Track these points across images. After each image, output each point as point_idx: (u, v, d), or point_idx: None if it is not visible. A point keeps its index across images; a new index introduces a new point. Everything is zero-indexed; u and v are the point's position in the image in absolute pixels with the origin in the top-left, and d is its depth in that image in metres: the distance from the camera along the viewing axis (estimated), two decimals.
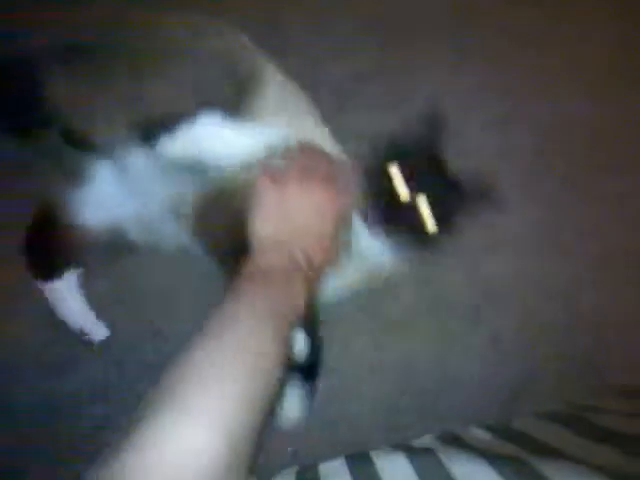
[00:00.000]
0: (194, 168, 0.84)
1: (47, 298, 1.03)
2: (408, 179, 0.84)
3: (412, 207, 0.83)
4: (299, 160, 0.83)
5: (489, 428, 1.00)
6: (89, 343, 1.05)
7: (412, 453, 0.81)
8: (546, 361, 1.13)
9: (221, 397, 0.50)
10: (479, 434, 0.99)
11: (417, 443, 0.99)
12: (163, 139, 0.80)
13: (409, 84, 1.25)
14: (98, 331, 1.05)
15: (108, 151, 0.88)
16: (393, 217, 0.84)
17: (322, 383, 1.07)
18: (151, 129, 0.79)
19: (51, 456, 0.99)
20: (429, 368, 1.12)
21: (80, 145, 0.86)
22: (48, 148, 0.93)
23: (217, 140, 0.81)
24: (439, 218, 0.85)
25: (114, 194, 0.95)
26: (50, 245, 1.01)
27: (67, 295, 1.03)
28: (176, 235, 0.96)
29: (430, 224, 0.84)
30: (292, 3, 1.29)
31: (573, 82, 1.27)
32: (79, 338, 1.04)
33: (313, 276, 0.76)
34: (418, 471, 0.75)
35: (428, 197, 0.84)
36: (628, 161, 1.25)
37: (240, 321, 0.59)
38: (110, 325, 1.07)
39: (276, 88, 0.91)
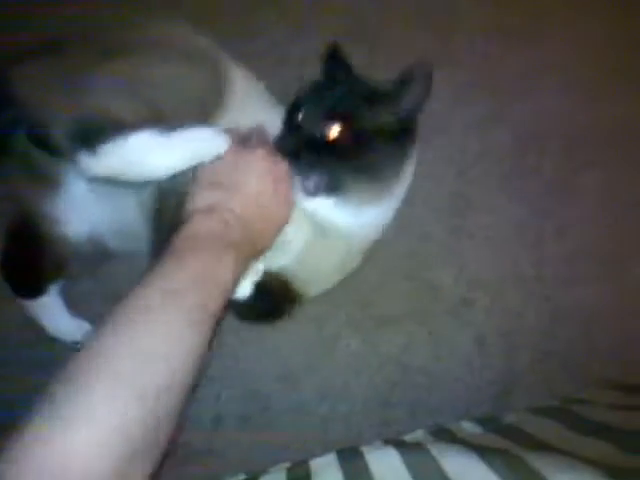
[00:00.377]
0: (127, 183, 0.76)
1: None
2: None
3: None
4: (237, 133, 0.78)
5: (480, 422, 1.00)
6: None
7: (403, 448, 0.81)
8: (532, 357, 1.14)
9: (117, 395, 0.48)
10: (470, 428, 0.99)
11: (408, 438, 0.99)
12: (91, 151, 0.71)
13: None
14: (81, 333, 1.01)
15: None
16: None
17: (312, 380, 1.07)
18: (88, 134, 0.71)
19: None
20: (420, 363, 1.12)
21: (48, 147, 0.79)
22: (17, 155, 0.88)
23: (146, 157, 0.73)
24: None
25: (89, 200, 0.90)
26: (29, 263, 0.96)
27: (51, 308, 0.99)
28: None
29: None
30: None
31: (556, 83, 1.28)
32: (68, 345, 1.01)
33: (250, 251, 0.72)
34: (409, 465, 0.75)
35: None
36: (609, 158, 1.25)
37: (151, 306, 0.55)
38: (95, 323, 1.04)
39: (243, 84, 0.88)
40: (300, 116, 0.81)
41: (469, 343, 1.14)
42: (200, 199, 0.73)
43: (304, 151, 0.78)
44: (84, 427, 0.45)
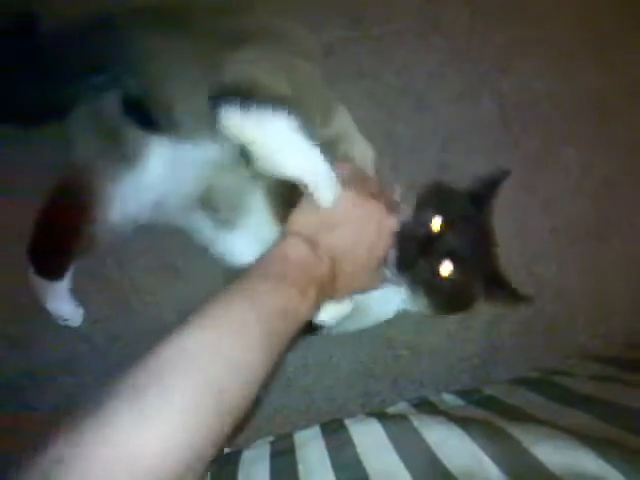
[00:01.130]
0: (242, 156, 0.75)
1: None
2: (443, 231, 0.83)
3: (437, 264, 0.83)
4: (359, 179, 0.79)
5: (461, 394, 1.02)
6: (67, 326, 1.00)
7: (386, 420, 0.82)
8: (513, 329, 1.15)
9: (194, 396, 0.48)
10: (452, 400, 1.00)
11: (391, 410, 1.01)
12: (240, 108, 0.70)
13: (379, 57, 1.24)
14: (77, 317, 1.00)
15: (171, 130, 0.81)
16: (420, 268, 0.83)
17: (297, 353, 1.07)
18: (225, 99, 0.70)
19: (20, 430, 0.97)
20: (404, 336, 1.13)
21: (146, 120, 0.78)
22: (102, 125, 0.85)
23: (281, 145, 0.72)
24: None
25: (158, 184, 0.86)
26: (62, 245, 0.89)
27: (61, 290, 0.95)
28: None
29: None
30: None
31: (538, 58, 1.27)
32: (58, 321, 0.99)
33: (329, 290, 0.72)
34: (392, 437, 0.76)
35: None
36: (590, 134, 1.26)
37: (238, 318, 0.56)
38: (81, 299, 1.03)
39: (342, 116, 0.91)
40: (432, 228, 0.83)
41: (452, 317, 1.14)
42: (303, 223, 0.73)
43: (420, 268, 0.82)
44: (159, 426, 0.45)
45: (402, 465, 0.71)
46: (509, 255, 1.18)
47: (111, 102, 0.82)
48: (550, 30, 1.28)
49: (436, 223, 0.83)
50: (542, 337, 1.15)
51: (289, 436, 0.86)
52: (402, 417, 0.82)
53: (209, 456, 0.49)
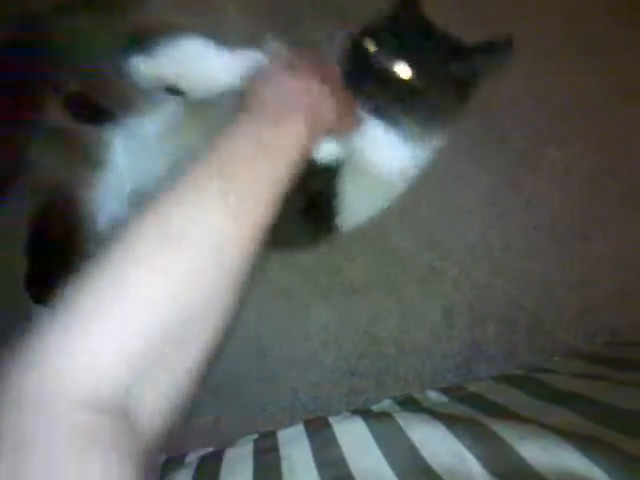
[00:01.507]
0: (172, 91, 0.74)
1: None
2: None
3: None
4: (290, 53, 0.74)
5: (445, 391, 1.01)
6: None
7: (370, 417, 0.81)
8: (498, 327, 1.16)
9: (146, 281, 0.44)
10: (436, 397, 1.00)
11: (376, 407, 1.00)
12: (145, 53, 0.70)
13: None
14: None
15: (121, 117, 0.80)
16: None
17: (280, 349, 1.07)
18: (136, 41, 0.70)
19: None
20: (388, 333, 1.13)
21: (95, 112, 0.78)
22: (51, 136, 0.83)
23: (200, 62, 0.71)
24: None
25: (131, 173, 0.84)
26: (57, 267, 0.86)
27: None
28: None
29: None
30: None
31: (522, 56, 1.27)
32: None
33: (317, 125, 0.65)
34: (375, 435, 0.75)
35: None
36: (574, 133, 1.26)
37: (201, 180, 0.51)
38: None
39: None
40: (372, 49, 0.77)
41: (437, 313, 1.15)
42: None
43: (371, 80, 0.77)
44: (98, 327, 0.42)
45: (386, 463, 0.70)
46: (494, 251, 1.19)
47: (55, 109, 0.80)
48: (535, 28, 1.28)
49: (372, 48, 0.78)
50: (526, 334, 1.15)
51: (272, 434, 0.85)
52: (386, 415, 0.82)
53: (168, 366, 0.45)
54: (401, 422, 0.78)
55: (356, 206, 0.93)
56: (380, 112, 0.79)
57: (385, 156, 0.85)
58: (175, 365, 0.45)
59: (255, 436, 0.90)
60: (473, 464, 0.66)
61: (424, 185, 1.17)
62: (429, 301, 1.16)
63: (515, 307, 1.16)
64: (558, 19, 1.30)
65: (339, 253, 1.12)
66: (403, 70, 0.76)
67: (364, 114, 0.79)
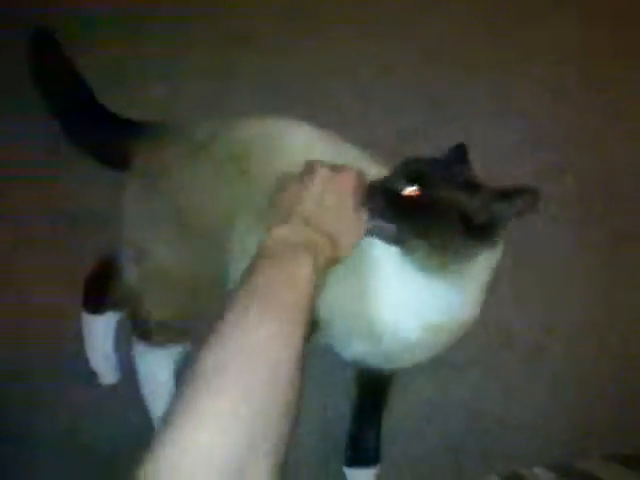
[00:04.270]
0: None
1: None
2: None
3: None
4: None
5: (553, 468, 1.00)
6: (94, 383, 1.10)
7: None
8: (606, 405, 1.13)
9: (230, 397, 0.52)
10: (543, 474, 0.99)
11: None
12: None
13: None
14: (109, 376, 1.11)
15: None
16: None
17: (384, 423, 1.09)
18: None
19: None
20: (492, 409, 1.13)
21: None
22: None
23: None
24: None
25: None
26: (105, 288, 1.08)
27: (100, 332, 1.10)
28: None
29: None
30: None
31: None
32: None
33: (329, 261, 0.72)
34: None
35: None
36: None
37: (247, 315, 0.58)
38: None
39: None
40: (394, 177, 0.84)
41: (542, 390, 1.14)
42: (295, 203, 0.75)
43: (384, 200, 0.81)
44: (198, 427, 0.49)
45: None
46: (599, 328, 1.18)
47: None
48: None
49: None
50: (636, 413, 1.11)
51: None
52: None
53: (260, 457, 0.51)
54: None
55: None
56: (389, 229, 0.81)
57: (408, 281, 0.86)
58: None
59: None
60: None
61: (522, 263, 1.22)
62: (534, 378, 1.15)
63: (624, 384, 1.13)
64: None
65: None
66: (411, 190, 0.80)
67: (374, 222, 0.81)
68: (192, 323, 0.96)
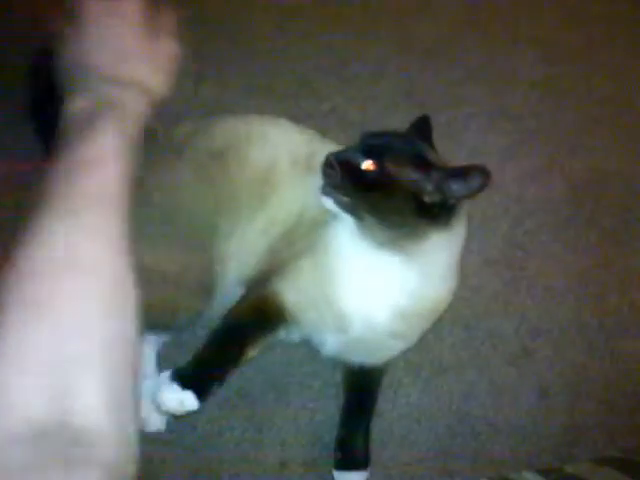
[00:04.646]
0: None
1: None
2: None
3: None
4: None
5: (542, 472, 0.99)
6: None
7: None
8: (596, 409, 1.13)
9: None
10: (532, 478, 0.98)
11: None
12: None
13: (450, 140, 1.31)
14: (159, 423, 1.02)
15: None
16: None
17: (373, 427, 1.09)
18: None
19: None
20: (481, 413, 1.12)
21: None
22: None
23: None
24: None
25: None
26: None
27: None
28: None
29: None
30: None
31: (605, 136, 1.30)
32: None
33: (145, 110, 0.64)
34: None
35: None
36: None
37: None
38: None
39: None
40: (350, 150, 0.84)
41: (531, 394, 1.14)
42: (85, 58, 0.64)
43: (340, 173, 0.81)
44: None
45: None
46: (588, 331, 1.18)
47: None
48: (617, 109, 1.31)
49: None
50: (627, 417, 1.12)
51: None
52: None
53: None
54: None
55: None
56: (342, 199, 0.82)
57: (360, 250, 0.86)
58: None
59: None
60: None
61: (511, 266, 1.22)
62: (523, 381, 1.15)
63: (613, 388, 1.13)
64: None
65: (427, 331, 1.15)
66: (367, 164, 0.81)
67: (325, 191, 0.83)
68: (176, 315, 0.94)
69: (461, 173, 0.80)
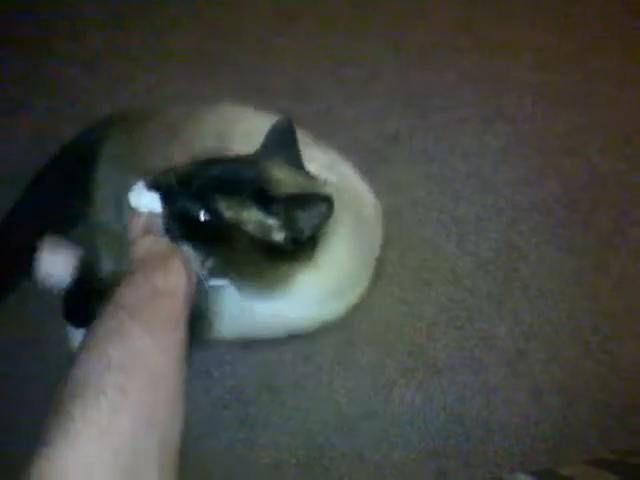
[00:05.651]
0: None
1: None
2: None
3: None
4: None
5: (536, 474, 0.99)
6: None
7: None
8: (590, 410, 1.13)
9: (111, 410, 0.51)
10: None
11: None
12: None
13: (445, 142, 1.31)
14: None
15: None
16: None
17: (367, 428, 1.09)
18: None
19: None
20: (475, 414, 1.12)
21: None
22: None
23: None
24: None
25: None
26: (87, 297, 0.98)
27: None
28: None
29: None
30: None
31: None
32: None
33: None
34: None
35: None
36: None
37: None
38: None
39: None
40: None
41: (525, 394, 1.14)
42: None
43: (184, 229, 0.73)
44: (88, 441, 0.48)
45: None
46: (582, 333, 1.18)
47: None
48: (611, 113, 1.32)
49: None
50: (620, 418, 1.11)
51: None
52: None
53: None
54: None
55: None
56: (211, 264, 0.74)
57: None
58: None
59: None
60: None
61: (506, 267, 1.22)
62: (517, 382, 1.15)
63: (607, 389, 1.13)
64: (634, 104, 1.35)
65: (421, 332, 1.15)
66: (199, 213, 0.71)
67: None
68: None
69: (304, 201, 0.71)
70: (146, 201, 0.73)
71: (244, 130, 0.93)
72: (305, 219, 0.70)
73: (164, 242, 0.73)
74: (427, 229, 1.23)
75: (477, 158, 1.31)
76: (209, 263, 0.74)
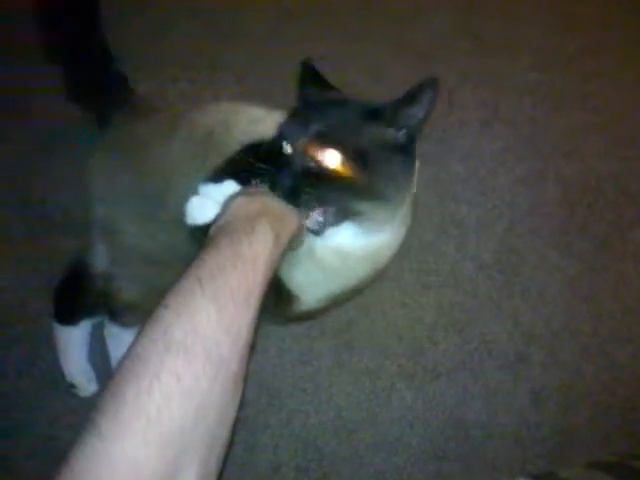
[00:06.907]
0: None
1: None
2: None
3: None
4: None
5: (536, 478, 0.99)
6: (73, 393, 1.06)
7: None
8: (590, 413, 1.13)
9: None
10: None
11: None
12: None
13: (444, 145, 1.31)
14: (88, 387, 1.06)
15: None
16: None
17: (367, 432, 1.08)
18: None
19: None
20: (475, 417, 1.12)
21: None
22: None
23: None
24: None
25: None
26: (76, 293, 1.03)
27: (74, 344, 1.06)
28: None
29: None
30: None
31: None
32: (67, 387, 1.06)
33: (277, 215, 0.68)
34: None
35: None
36: None
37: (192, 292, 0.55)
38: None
39: None
40: (288, 149, 0.74)
41: (524, 398, 1.14)
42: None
43: (304, 186, 0.72)
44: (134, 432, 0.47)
45: None
46: (582, 336, 1.18)
47: None
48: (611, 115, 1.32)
49: (288, 148, 0.74)
50: (620, 421, 1.12)
51: None
52: None
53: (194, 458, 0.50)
54: None
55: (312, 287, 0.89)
56: (329, 217, 0.74)
57: (353, 247, 0.81)
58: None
59: None
60: None
61: (505, 271, 1.22)
62: (516, 386, 1.15)
63: (607, 392, 1.14)
64: (632, 107, 1.35)
65: (421, 336, 1.15)
66: (324, 159, 0.72)
67: (315, 227, 0.74)
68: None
69: (411, 97, 0.76)
70: (216, 194, 0.74)
71: (249, 118, 0.93)
72: (418, 110, 0.76)
73: (257, 200, 0.69)
74: (427, 232, 1.23)
75: (476, 161, 1.31)
76: (331, 211, 0.73)
